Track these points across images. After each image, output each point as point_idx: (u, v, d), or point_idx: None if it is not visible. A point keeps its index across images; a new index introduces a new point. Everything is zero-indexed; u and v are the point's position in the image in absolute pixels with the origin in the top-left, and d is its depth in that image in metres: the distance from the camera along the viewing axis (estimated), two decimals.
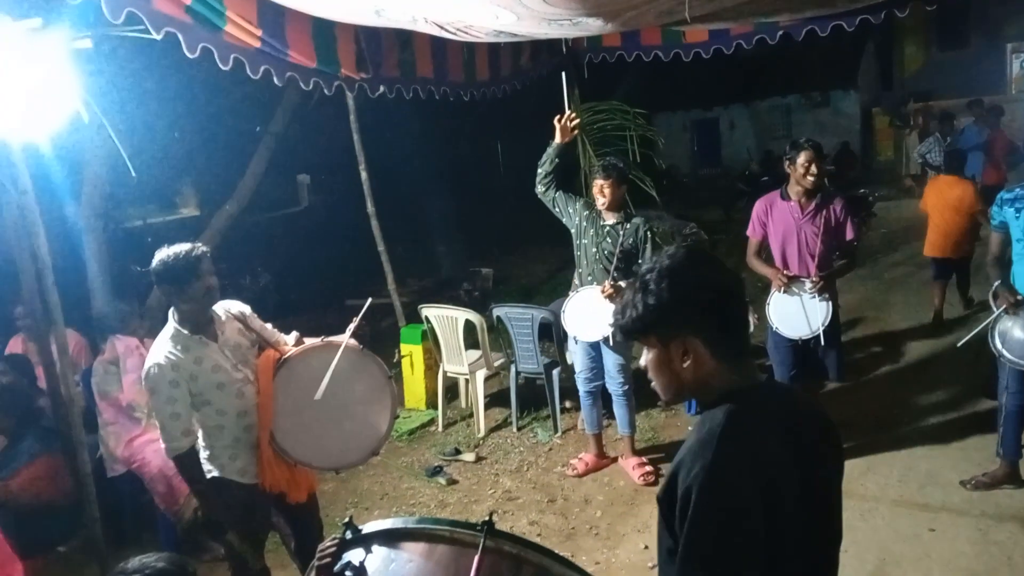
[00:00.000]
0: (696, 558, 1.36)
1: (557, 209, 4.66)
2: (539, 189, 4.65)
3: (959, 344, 4.11)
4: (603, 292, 4.36)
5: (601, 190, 4.46)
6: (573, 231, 4.62)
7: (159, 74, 6.44)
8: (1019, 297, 3.74)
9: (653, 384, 1.59)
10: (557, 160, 4.55)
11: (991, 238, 4.02)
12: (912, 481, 4.31)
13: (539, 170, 4.61)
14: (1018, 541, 3.67)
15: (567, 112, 4.57)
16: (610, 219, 4.51)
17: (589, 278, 4.56)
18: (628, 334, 1.57)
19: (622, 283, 4.36)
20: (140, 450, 4.18)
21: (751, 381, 1.53)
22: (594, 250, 4.52)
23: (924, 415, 5.09)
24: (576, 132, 4.60)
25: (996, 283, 3.86)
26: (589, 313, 4.46)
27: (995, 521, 3.85)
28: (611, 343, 4.49)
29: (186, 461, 2.90)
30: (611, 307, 4.31)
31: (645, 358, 1.58)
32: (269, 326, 3.25)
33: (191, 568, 2.05)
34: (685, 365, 1.50)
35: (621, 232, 4.45)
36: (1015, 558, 3.56)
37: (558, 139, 4.52)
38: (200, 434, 2.97)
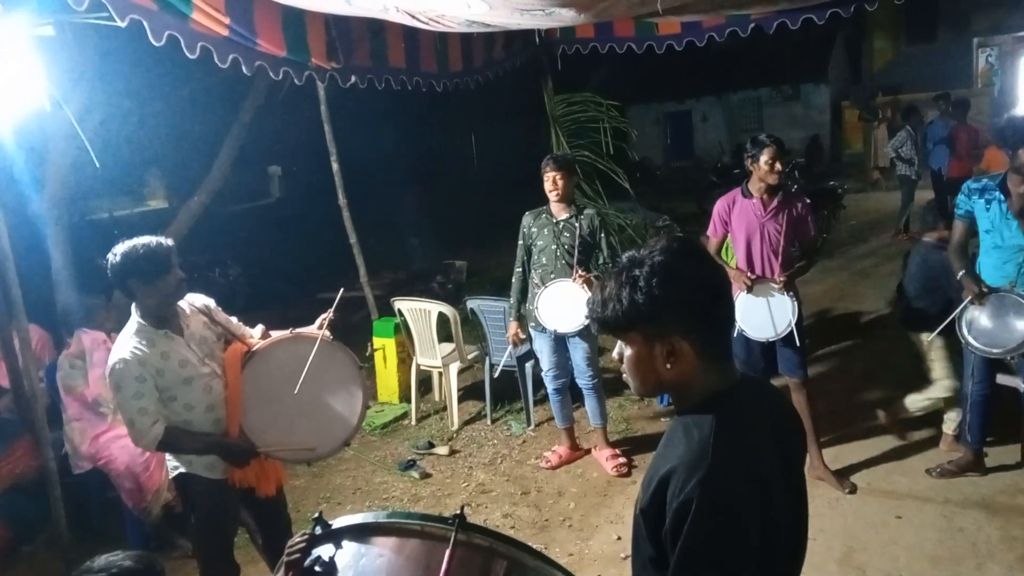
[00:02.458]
0: (693, 570, 1.34)
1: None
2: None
3: (928, 339, 4.17)
4: (579, 279, 4.36)
5: (554, 181, 4.47)
6: (532, 241, 4.65)
7: (124, 62, 6.31)
8: (984, 288, 3.80)
9: (626, 378, 1.53)
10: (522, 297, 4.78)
11: (955, 227, 4.02)
12: (879, 469, 4.38)
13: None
14: (982, 527, 3.75)
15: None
16: (562, 214, 4.53)
17: (552, 275, 4.54)
18: (608, 329, 1.49)
19: (591, 276, 4.38)
20: (106, 446, 4.11)
21: (732, 380, 1.49)
22: (553, 247, 4.52)
23: (891, 404, 5.15)
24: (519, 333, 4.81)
25: (961, 273, 3.91)
26: (563, 304, 4.45)
27: (960, 508, 3.93)
28: (583, 336, 4.51)
29: (169, 441, 2.84)
30: (586, 295, 4.33)
31: (618, 352, 1.52)
32: (234, 319, 3.21)
33: (159, 566, 2.02)
34: (669, 366, 1.44)
35: (577, 224, 4.48)
36: (979, 544, 3.63)
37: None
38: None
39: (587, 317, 1.56)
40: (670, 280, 1.40)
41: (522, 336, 4.80)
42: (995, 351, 3.82)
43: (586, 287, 4.34)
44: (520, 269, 4.74)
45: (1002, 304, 3.76)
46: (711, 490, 1.32)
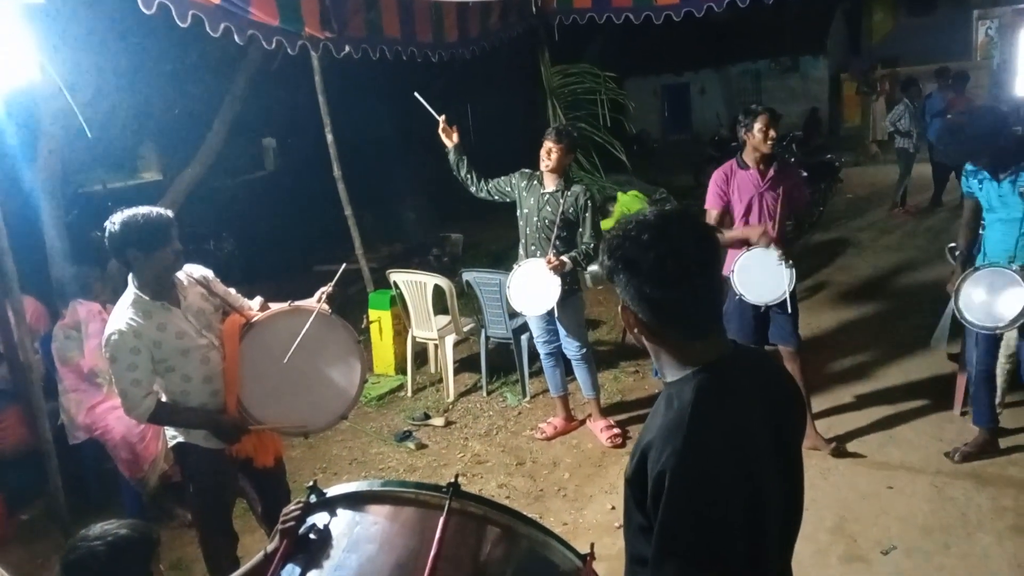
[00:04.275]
0: (673, 546, 1.33)
1: (497, 197, 4.68)
2: (473, 191, 4.73)
3: (932, 342, 4.16)
4: (548, 264, 4.34)
5: (549, 152, 4.41)
6: (517, 203, 4.61)
7: (117, 32, 6.22)
8: (971, 269, 3.83)
9: None
10: (462, 158, 4.65)
11: (964, 205, 4.07)
12: (871, 440, 4.42)
13: (459, 177, 4.71)
14: (972, 497, 3.79)
15: (440, 119, 4.65)
16: (550, 186, 4.48)
17: (533, 248, 4.52)
18: None
19: (565, 257, 4.36)
20: (102, 417, 4.12)
21: (720, 352, 1.46)
22: (536, 219, 4.48)
23: (884, 376, 5.21)
24: (455, 133, 4.68)
25: (957, 245, 3.92)
26: (534, 286, 4.44)
27: (951, 478, 3.97)
28: (556, 313, 4.47)
29: (160, 415, 2.86)
30: (555, 279, 4.32)
31: None
32: (232, 291, 3.20)
33: (155, 534, 2.03)
34: (635, 331, 1.48)
35: (562, 200, 4.43)
36: (969, 513, 3.67)
37: (448, 144, 4.64)
38: (164, 399, 2.92)
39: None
40: (616, 255, 1.42)
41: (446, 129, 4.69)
42: (989, 326, 3.83)
43: (555, 272, 4.33)
44: (487, 180, 4.69)
45: (999, 279, 3.76)
46: (684, 461, 1.32)
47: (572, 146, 4.51)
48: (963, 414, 4.45)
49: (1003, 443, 4.15)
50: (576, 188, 4.50)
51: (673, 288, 1.38)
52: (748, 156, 4.22)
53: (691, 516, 1.32)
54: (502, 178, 4.66)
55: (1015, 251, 3.72)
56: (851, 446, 4.36)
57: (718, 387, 1.41)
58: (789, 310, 4.19)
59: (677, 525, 1.32)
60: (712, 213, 4.41)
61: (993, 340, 3.97)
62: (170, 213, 2.84)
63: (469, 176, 4.67)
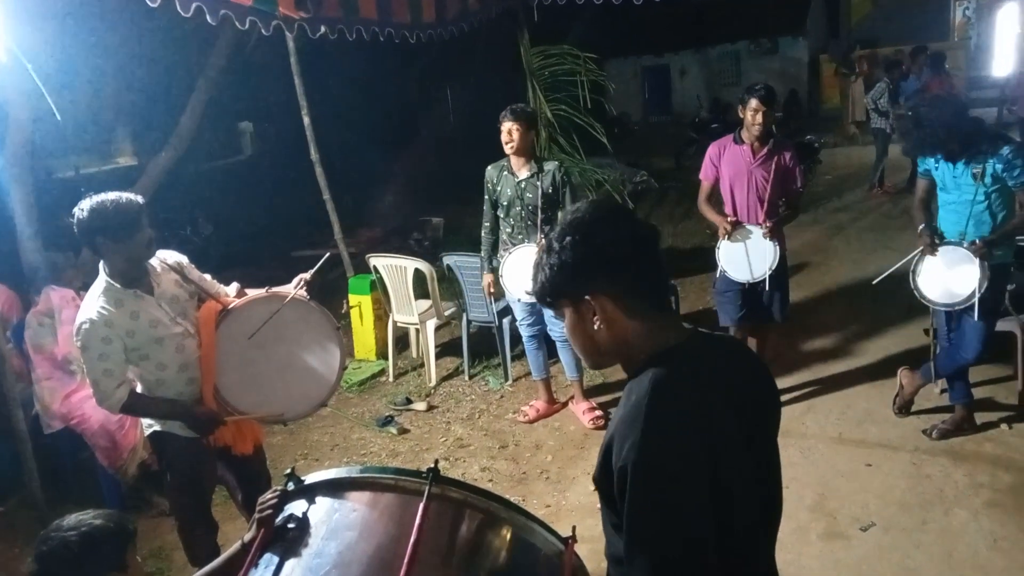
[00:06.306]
0: (642, 540, 1.30)
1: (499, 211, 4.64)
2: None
3: (874, 282, 4.24)
4: (539, 247, 4.32)
5: (509, 133, 4.37)
6: (496, 198, 4.58)
7: (87, 14, 6.10)
8: (936, 240, 3.87)
9: (575, 349, 1.51)
10: (493, 253, 4.72)
11: (918, 184, 4.14)
12: (850, 419, 4.46)
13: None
14: (949, 474, 3.84)
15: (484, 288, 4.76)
16: (523, 172, 4.45)
17: (520, 236, 4.51)
18: (543, 300, 1.48)
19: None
20: (79, 406, 4.05)
21: (676, 337, 1.42)
22: (518, 208, 4.46)
23: (863, 355, 5.25)
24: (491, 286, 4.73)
25: (921, 226, 3.97)
26: (526, 270, 4.43)
27: (928, 455, 4.01)
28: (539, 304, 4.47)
29: (133, 405, 2.82)
30: None
31: (564, 325, 1.50)
32: (208, 277, 3.15)
33: (130, 524, 2.00)
34: (597, 327, 1.41)
35: (539, 182, 4.41)
36: (946, 490, 3.72)
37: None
38: (139, 388, 2.88)
39: (527, 293, 1.57)
40: (577, 239, 1.38)
41: (493, 290, 4.74)
42: (945, 303, 3.88)
43: None
44: (488, 224, 4.69)
45: (954, 257, 3.82)
46: (645, 453, 1.28)
47: (531, 123, 4.47)
48: (942, 392, 4.50)
49: (979, 419, 4.21)
50: (549, 166, 4.48)
51: (637, 253, 1.39)
52: (744, 133, 4.30)
53: (656, 508, 1.28)
54: (485, 201, 4.63)
55: (966, 229, 3.78)
56: (831, 425, 4.40)
57: (676, 373, 1.37)
58: (767, 286, 4.26)
59: (643, 519, 1.29)
60: (704, 185, 4.53)
61: (951, 316, 4.01)
62: (141, 199, 2.77)
63: (495, 241, 4.71)
